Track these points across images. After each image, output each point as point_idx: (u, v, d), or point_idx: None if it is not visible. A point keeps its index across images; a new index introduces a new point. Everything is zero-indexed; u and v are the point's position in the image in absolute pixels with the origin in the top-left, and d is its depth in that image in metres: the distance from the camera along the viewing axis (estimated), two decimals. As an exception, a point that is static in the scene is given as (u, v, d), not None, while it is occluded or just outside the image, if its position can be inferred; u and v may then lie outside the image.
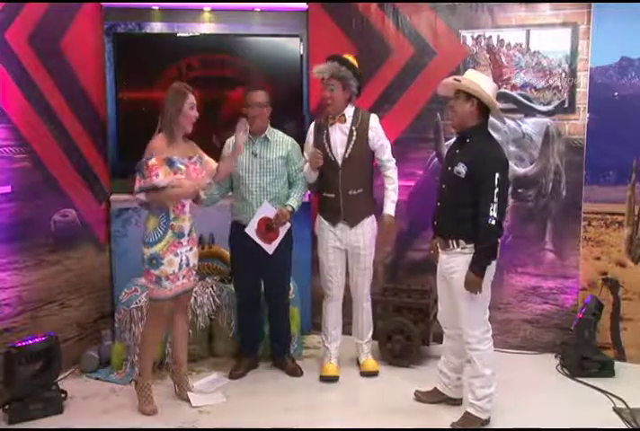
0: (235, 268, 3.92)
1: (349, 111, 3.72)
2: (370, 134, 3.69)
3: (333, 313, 3.89)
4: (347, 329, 4.00)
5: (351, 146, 3.68)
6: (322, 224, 3.82)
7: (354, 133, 3.68)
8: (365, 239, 3.76)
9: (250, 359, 3.97)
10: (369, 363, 3.90)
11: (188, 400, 3.51)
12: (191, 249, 3.41)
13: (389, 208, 3.73)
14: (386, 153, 3.75)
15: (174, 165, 3.26)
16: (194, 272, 3.50)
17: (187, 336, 3.66)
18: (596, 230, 4.09)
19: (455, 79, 3.17)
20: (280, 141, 3.80)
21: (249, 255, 3.75)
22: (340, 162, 3.69)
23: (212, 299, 4.05)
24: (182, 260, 3.35)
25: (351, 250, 3.79)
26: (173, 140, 3.30)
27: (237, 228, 3.78)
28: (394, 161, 3.78)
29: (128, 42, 4.31)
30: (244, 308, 3.93)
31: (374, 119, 3.73)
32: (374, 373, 3.86)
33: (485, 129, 3.21)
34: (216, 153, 3.69)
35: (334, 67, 3.64)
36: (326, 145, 3.71)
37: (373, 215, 3.80)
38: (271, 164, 3.74)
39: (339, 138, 3.70)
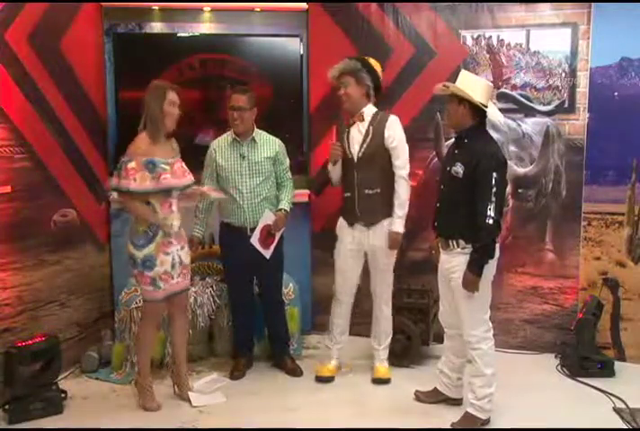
0: (228, 268, 3.93)
1: (368, 111, 3.67)
2: (386, 132, 3.61)
3: (341, 317, 3.82)
4: (353, 329, 3.96)
5: (366, 144, 3.63)
6: (341, 224, 3.77)
7: (370, 131, 3.63)
8: (383, 240, 3.65)
9: (246, 359, 3.97)
10: (382, 369, 3.81)
11: (188, 400, 3.51)
12: (182, 247, 3.40)
13: (394, 225, 3.62)
14: (399, 158, 3.62)
15: (157, 167, 3.21)
16: (188, 271, 3.49)
17: (187, 336, 3.66)
18: (596, 230, 4.09)
19: (444, 85, 3.17)
20: (267, 142, 3.81)
21: (241, 254, 3.76)
22: (355, 159, 3.66)
23: (212, 299, 4.05)
24: (174, 259, 3.34)
25: (369, 251, 3.72)
26: (156, 140, 3.26)
27: (228, 229, 3.81)
28: (406, 171, 3.63)
29: (128, 42, 4.31)
30: (238, 308, 3.94)
31: (393, 120, 3.65)
32: (385, 381, 3.77)
33: (483, 129, 3.21)
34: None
35: (343, 64, 3.64)
36: (345, 143, 3.69)
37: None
38: (259, 166, 3.76)
39: (356, 136, 3.67)
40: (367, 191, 3.65)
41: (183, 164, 3.39)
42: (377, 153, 3.63)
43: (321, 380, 3.79)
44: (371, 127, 3.65)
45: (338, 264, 3.79)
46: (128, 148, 3.27)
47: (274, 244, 3.78)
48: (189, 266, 3.50)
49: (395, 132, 3.63)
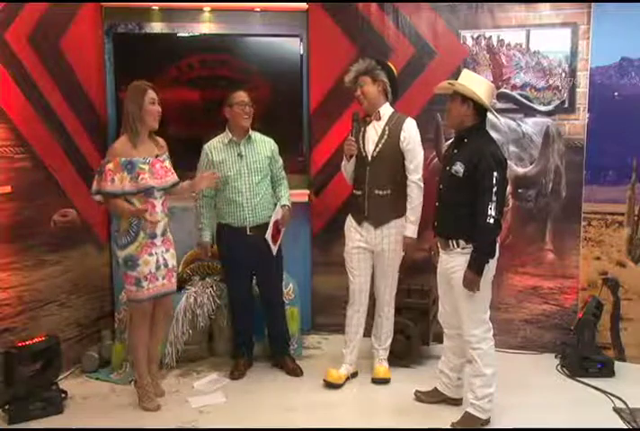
0: (228, 268, 3.92)
1: (386, 110, 3.65)
2: (403, 134, 3.58)
3: (353, 319, 3.78)
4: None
5: (381, 144, 3.60)
6: (349, 222, 3.76)
7: (386, 131, 3.61)
8: (390, 240, 3.64)
9: (246, 359, 3.97)
10: (381, 369, 3.80)
11: (162, 395, 3.53)
12: (167, 250, 3.39)
13: (407, 230, 3.59)
14: (413, 162, 3.59)
15: (135, 168, 3.23)
16: (175, 274, 3.49)
17: (162, 337, 3.66)
18: (596, 230, 4.09)
19: (449, 83, 3.17)
20: (263, 141, 3.83)
21: (241, 255, 3.76)
22: (369, 158, 3.63)
23: (212, 299, 4.04)
24: (158, 261, 3.34)
25: (375, 251, 3.70)
26: (137, 140, 3.28)
27: (227, 230, 3.79)
28: (419, 175, 3.59)
29: (128, 42, 4.31)
30: (238, 308, 3.94)
31: (410, 122, 3.62)
32: (384, 381, 3.77)
33: (483, 129, 3.21)
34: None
35: (357, 65, 3.63)
36: (360, 141, 3.66)
37: (403, 219, 3.65)
38: (258, 164, 3.77)
39: (371, 135, 3.64)
40: (377, 192, 3.63)
41: (167, 163, 3.39)
42: (391, 154, 3.60)
43: (328, 385, 3.72)
44: (387, 128, 3.62)
45: (347, 261, 3.77)
46: (108, 150, 3.31)
47: (280, 239, 3.80)
48: (175, 268, 3.49)
49: (411, 135, 3.60)
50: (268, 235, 3.71)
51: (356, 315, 3.77)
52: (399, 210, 3.64)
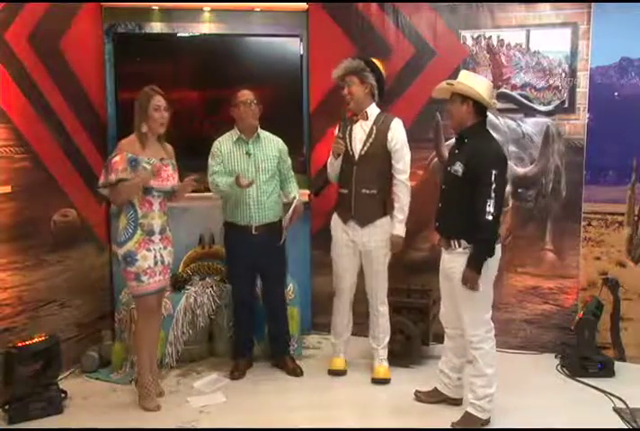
0: (232, 268, 3.92)
1: (372, 110, 3.69)
2: (389, 134, 3.61)
3: (340, 312, 3.85)
4: (355, 328, 3.96)
5: (368, 144, 3.63)
6: (335, 221, 3.78)
7: (374, 131, 3.64)
8: (377, 239, 3.67)
9: (246, 359, 3.97)
10: (381, 370, 3.81)
11: (161, 395, 3.53)
12: (165, 247, 3.43)
13: (396, 228, 3.65)
14: (400, 162, 3.63)
15: (139, 166, 3.27)
16: (169, 271, 3.52)
17: (159, 334, 3.68)
18: (596, 230, 4.09)
19: (448, 83, 3.18)
20: (272, 140, 3.84)
21: (246, 254, 3.77)
22: (356, 157, 3.66)
23: (212, 299, 4.05)
24: (156, 257, 3.38)
25: (363, 250, 3.72)
26: (143, 141, 3.33)
27: (232, 229, 3.80)
28: (406, 175, 3.64)
29: (128, 42, 4.31)
30: (240, 308, 3.93)
31: (397, 122, 3.66)
32: (385, 381, 3.77)
33: (483, 128, 3.21)
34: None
35: (347, 63, 3.65)
36: (347, 140, 3.68)
37: (389, 217, 3.68)
38: (266, 163, 3.77)
39: (359, 134, 3.67)
40: (364, 191, 3.65)
41: (170, 169, 3.41)
42: (378, 154, 3.63)
43: (334, 373, 3.80)
44: (375, 128, 3.65)
45: (334, 262, 3.80)
46: (116, 145, 3.36)
47: (288, 228, 3.78)
48: (170, 265, 3.51)
49: (397, 134, 3.64)
50: (287, 217, 3.70)
51: (343, 311, 3.84)
52: (385, 209, 3.68)
